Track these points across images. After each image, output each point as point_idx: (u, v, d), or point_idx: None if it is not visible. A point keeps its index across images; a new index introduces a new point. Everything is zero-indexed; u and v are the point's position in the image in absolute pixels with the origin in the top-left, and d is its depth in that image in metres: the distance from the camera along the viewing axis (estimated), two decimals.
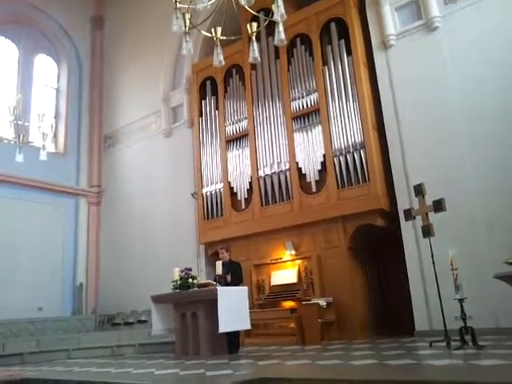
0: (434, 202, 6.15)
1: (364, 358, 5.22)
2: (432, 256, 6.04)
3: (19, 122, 9.25)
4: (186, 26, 5.27)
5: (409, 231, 8.03)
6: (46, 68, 14.40)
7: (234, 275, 7.36)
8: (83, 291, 12.97)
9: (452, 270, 5.62)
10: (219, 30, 5.60)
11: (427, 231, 6.20)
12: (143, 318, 11.15)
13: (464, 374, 3.87)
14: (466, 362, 4.38)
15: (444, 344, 5.56)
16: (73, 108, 14.40)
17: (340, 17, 9.36)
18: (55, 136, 13.92)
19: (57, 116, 14.29)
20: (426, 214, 6.28)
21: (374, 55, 9.10)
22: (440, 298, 5.91)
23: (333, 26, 9.48)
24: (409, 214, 6.73)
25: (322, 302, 8.31)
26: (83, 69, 14.84)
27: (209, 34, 5.69)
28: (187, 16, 5.25)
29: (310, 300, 8.49)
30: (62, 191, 13.29)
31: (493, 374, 3.65)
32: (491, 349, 5.15)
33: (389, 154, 8.64)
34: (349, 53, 9.17)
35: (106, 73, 14.90)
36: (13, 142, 9.47)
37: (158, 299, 7.53)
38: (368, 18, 9.28)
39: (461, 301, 5.53)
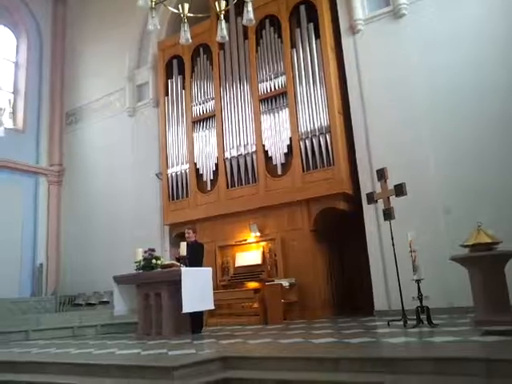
0: (395, 186, 6.31)
1: (324, 336, 5.36)
2: (392, 238, 6.22)
3: None
4: (152, 1, 5.15)
5: (370, 214, 8.22)
6: (3, 40, 13.70)
7: (194, 256, 7.32)
8: (43, 272, 12.66)
9: (410, 252, 5.82)
10: (187, 6, 5.48)
11: (388, 214, 6.37)
12: (105, 299, 11.01)
13: (418, 351, 4.05)
14: (420, 340, 4.58)
15: (401, 323, 5.78)
16: (33, 83, 13.80)
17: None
18: (13, 112, 13.41)
19: (15, 91, 13.67)
20: (388, 197, 6.45)
21: (342, 39, 9.14)
22: (399, 278, 6.12)
23: (302, 8, 9.44)
24: (371, 198, 6.89)
25: (285, 283, 8.45)
26: (44, 42, 14.22)
27: (176, 11, 5.56)
28: None
29: (273, 281, 8.61)
30: (20, 169, 12.82)
31: (444, 350, 3.83)
32: (444, 327, 5.38)
33: (353, 138, 8.77)
34: (317, 36, 9.16)
35: (68, 48, 14.35)
36: None
37: (120, 280, 7.43)
38: (337, 2, 9.29)
39: (418, 281, 5.74)
